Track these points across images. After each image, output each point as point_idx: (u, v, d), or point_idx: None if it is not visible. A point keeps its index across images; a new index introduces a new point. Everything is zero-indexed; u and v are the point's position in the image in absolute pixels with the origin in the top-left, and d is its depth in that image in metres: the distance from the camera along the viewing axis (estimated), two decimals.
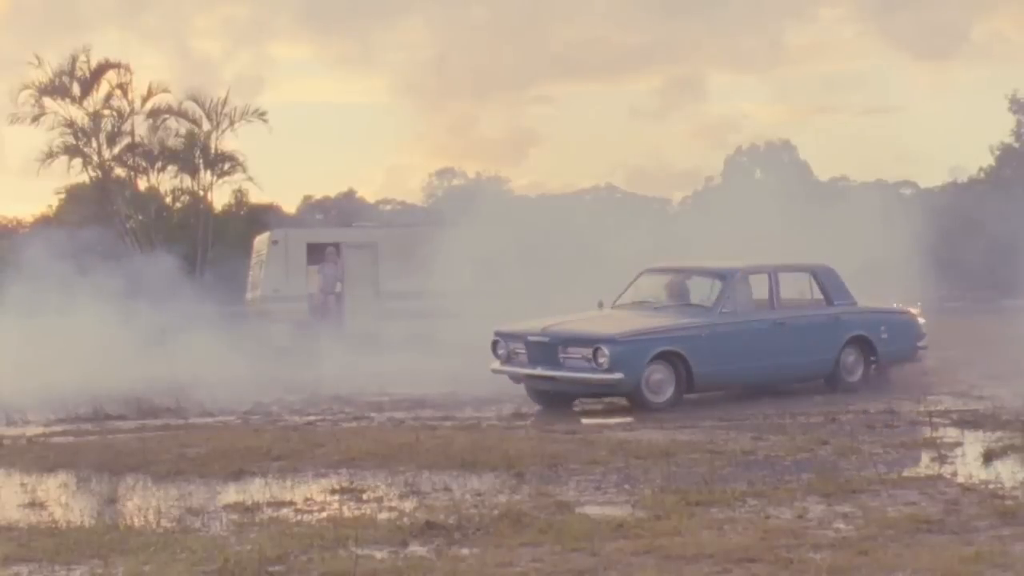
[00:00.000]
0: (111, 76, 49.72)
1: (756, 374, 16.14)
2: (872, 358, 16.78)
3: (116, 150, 50.51)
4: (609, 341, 15.20)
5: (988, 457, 10.36)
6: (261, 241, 30.29)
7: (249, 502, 9.38)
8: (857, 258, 19.83)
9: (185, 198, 51.12)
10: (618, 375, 15.07)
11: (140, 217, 44.79)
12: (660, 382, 15.27)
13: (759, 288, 16.46)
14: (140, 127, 50.30)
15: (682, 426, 13.23)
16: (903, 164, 74.79)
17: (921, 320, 17.78)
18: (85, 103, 49.59)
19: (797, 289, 16.99)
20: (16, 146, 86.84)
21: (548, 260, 24.22)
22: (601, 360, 15.11)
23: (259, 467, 11.16)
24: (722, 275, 16.35)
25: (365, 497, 9.54)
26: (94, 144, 49.85)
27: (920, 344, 17.41)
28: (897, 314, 17.63)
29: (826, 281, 16.94)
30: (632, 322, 15.89)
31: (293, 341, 25.78)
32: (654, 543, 7.41)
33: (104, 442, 13.43)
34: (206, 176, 51.44)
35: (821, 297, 16.89)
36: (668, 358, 15.35)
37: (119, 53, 51.18)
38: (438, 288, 25.38)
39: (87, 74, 49.34)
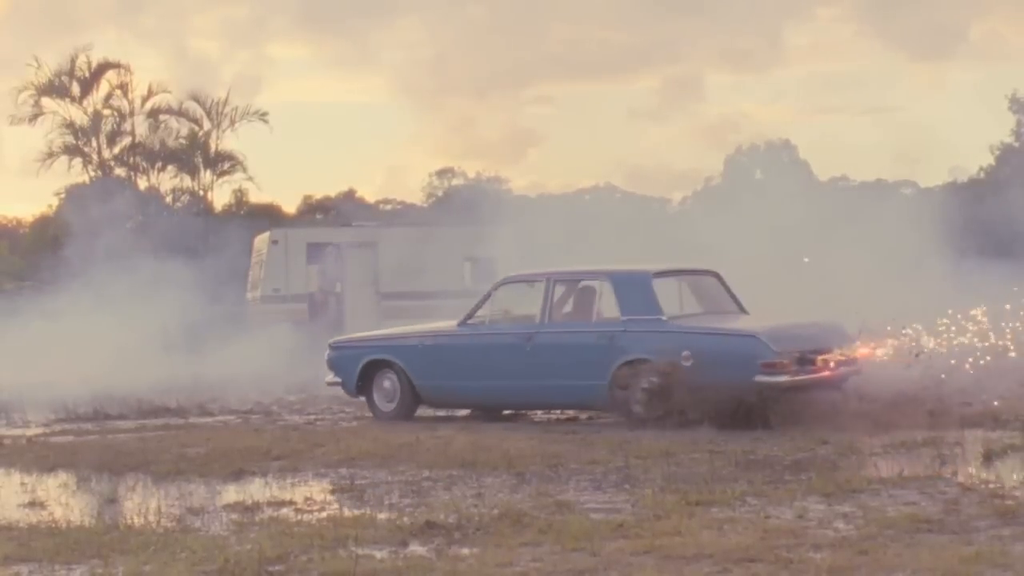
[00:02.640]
0: (111, 76, 49.77)
1: (498, 394, 14.73)
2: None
3: (116, 150, 50.56)
4: (329, 346, 16.19)
5: (988, 457, 10.36)
6: (261, 241, 30.31)
7: (249, 502, 9.39)
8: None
9: (185, 198, 51.16)
10: (338, 379, 15.79)
11: (140, 217, 44.83)
12: (389, 391, 15.29)
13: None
14: (140, 127, 50.36)
15: (682, 426, 13.21)
16: (903, 164, 74.73)
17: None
18: (85, 103, 49.62)
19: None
20: (16, 146, 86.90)
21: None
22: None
23: (259, 467, 11.17)
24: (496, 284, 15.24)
25: (365, 497, 9.55)
26: (94, 144, 49.89)
27: (763, 377, 13.00)
28: (718, 336, 13.79)
29: (623, 290, 14.17)
30: (381, 330, 16.36)
31: (293, 341, 25.80)
32: (654, 543, 7.41)
33: (104, 442, 13.45)
34: (206, 176, 51.49)
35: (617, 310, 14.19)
36: (394, 368, 15.29)
37: (118, 53, 51.22)
38: (437, 288, 25.41)
39: (87, 74, 49.37)
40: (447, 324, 15.47)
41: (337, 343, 16.24)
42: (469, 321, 15.03)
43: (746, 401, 12.97)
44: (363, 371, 15.42)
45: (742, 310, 14.67)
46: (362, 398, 15.59)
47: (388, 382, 15.29)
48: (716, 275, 14.97)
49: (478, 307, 15.02)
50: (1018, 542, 7.30)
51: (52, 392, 18.56)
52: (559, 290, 14.63)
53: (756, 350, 13.20)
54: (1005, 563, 6.82)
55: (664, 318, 13.95)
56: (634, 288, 14.19)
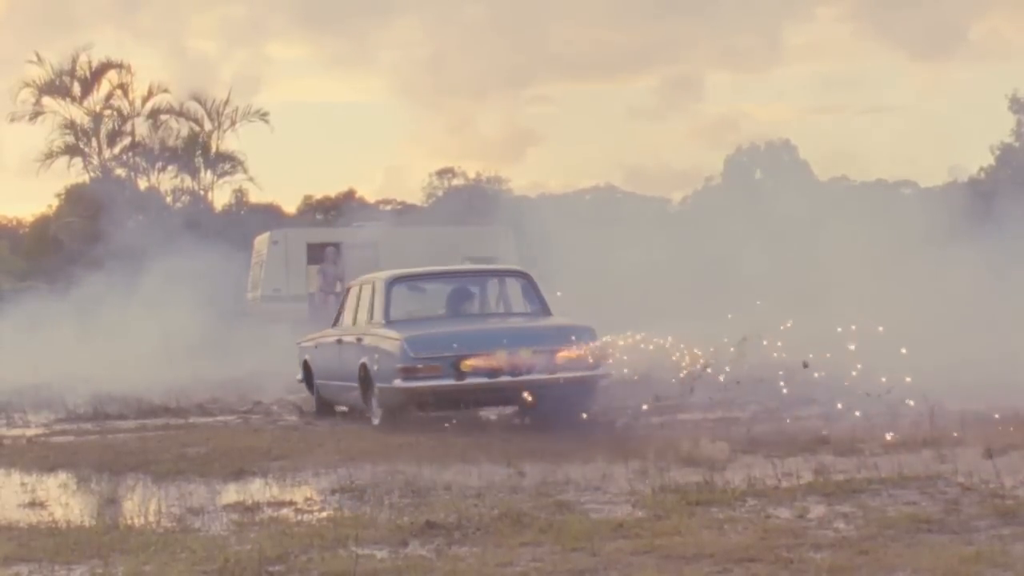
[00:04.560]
0: (112, 76, 49.77)
1: (335, 393, 15.33)
2: None
3: (116, 150, 50.55)
4: (297, 345, 17.10)
5: (988, 456, 10.34)
6: (261, 241, 30.31)
7: (249, 502, 9.38)
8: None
9: (185, 198, 51.17)
10: (302, 378, 16.55)
11: (140, 217, 44.88)
12: None
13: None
14: (140, 127, 50.35)
15: (682, 425, 13.19)
16: (903, 164, 74.82)
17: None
18: (85, 103, 49.61)
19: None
20: (16, 146, 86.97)
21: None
22: None
23: (259, 467, 11.16)
24: None
25: (365, 497, 9.54)
26: (94, 144, 49.87)
27: (400, 382, 13.19)
28: (384, 339, 13.83)
29: (375, 295, 14.52)
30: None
31: (293, 341, 25.80)
32: (654, 543, 7.40)
33: (104, 442, 13.45)
34: (206, 176, 51.50)
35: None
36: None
37: (119, 53, 51.25)
38: None
39: (87, 74, 49.36)
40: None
41: (299, 342, 16.93)
42: (335, 324, 15.65)
43: (398, 405, 13.38)
44: (305, 369, 16.27)
45: (545, 311, 14.42)
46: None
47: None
48: (525, 275, 14.96)
49: (340, 311, 15.57)
50: (1018, 542, 7.30)
51: (52, 392, 18.57)
52: (363, 294, 14.96)
53: (398, 355, 13.28)
54: (1005, 563, 6.81)
55: (384, 322, 14.08)
56: (378, 293, 14.41)
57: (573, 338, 13.34)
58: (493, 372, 13.13)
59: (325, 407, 15.78)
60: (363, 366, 13.97)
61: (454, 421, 13.58)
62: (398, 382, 13.21)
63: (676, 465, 10.32)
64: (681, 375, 13.03)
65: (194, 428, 14.69)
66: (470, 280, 15.18)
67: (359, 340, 14.33)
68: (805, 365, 12.64)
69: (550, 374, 13.14)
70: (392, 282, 14.54)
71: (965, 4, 67.65)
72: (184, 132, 50.61)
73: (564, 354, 13.24)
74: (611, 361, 13.38)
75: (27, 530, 8.53)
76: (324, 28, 72.83)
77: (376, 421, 13.80)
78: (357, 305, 14.93)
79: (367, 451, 11.74)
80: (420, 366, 13.16)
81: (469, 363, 13.13)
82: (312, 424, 14.97)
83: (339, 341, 14.99)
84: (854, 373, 12.73)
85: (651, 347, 13.21)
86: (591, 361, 13.29)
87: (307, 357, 16.18)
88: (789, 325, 12.97)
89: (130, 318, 25.52)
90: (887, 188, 41.08)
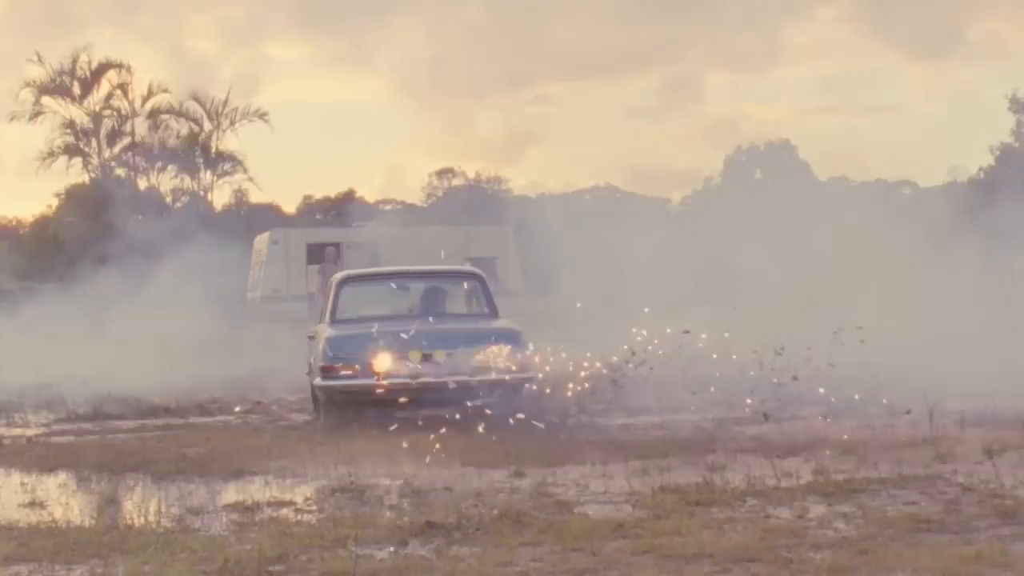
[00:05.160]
0: (111, 76, 49.80)
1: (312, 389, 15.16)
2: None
3: (116, 150, 50.57)
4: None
5: (988, 456, 10.34)
6: (261, 241, 30.32)
7: (249, 502, 9.38)
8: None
9: (185, 198, 51.18)
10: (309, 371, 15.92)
11: (140, 217, 44.90)
12: None
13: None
14: (140, 127, 50.37)
15: (681, 425, 13.21)
16: (903, 164, 74.84)
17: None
18: (85, 103, 49.62)
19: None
20: (16, 146, 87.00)
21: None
22: None
23: (259, 467, 11.16)
24: None
25: (365, 497, 9.54)
26: (94, 144, 49.89)
27: (319, 380, 13.74)
28: (321, 336, 14.35)
29: (331, 295, 14.96)
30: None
31: (293, 341, 25.78)
32: (654, 543, 7.41)
33: (104, 442, 13.45)
34: (206, 176, 51.53)
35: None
36: None
37: (118, 53, 51.26)
38: None
39: (87, 74, 49.38)
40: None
41: (307, 335, 16.57)
42: (320, 321, 15.48)
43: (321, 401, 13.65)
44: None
45: (492, 314, 14.48)
46: None
47: None
48: (477, 277, 15.10)
49: (324, 307, 15.43)
50: (1018, 542, 7.30)
51: (52, 392, 18.57)
52: (328, 293, 15.20)
53: (321, 353, 13.67)
54: (1005, 563, 6.82)
55: (329, 321, 14.39)
56: (331, 292, 14.76)
57: (495, 341, 13.34)
58: (413, 374, 13.13)
59: (317, 402, 15.78)
60: (310, 363, 14.43)
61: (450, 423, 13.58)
62: (318, 380, 13.63)
63: (676, 465, 10.32)
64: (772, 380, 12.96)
65: (194, 428, 14.68)
66: (420, 281, 15.28)
67: (314, 338, 14.74)
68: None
69: (469, 376, 13.12)
70: (342, 282, 14.89)
71: (965, 4, 67.77)
72: (184, 132, 50.63)
73: (483, 357, 13.23)
74: (539, 365, 13.39)
75: (27, 530, 8.53)
76: (324, 28, 72.93)
77: (320, 417, 14.12)
78: (328, 302, 15.19)
79: (367, 451, 11.73)
80: (338, 365, 13.44)
81: (383, 364, 13.27)
82: (312, 424, 14.96)
83: (310, 337, 15.28)
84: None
85: (703, 346, 13.23)
86: (514, 365, 13.26)
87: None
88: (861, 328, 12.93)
89: (130, 318, 25.50)
90: (887, 188, 41.10)
